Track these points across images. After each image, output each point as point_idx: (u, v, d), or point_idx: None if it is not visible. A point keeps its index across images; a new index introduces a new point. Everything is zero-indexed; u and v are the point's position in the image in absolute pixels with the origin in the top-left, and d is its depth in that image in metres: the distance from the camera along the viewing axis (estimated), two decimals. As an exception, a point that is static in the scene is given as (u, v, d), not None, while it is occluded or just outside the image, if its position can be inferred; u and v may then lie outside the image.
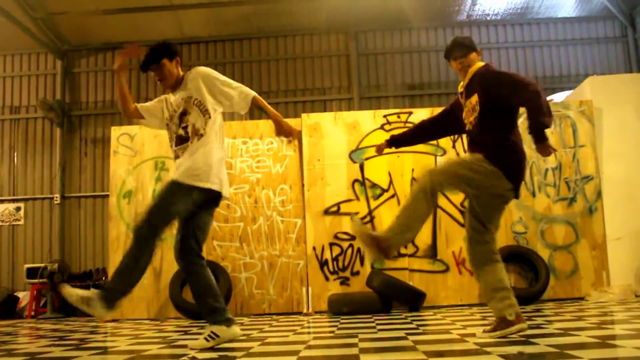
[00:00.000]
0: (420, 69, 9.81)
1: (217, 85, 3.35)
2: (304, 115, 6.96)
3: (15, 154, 9.84)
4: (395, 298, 5.99)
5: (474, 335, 3.28)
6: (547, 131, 3.02)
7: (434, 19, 9.70)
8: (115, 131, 7.00)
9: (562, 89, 8.80)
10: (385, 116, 6.82)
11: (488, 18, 9.82)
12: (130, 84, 9.82)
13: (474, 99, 3.27)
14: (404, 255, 6.47)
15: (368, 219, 6.54)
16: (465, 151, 6.50)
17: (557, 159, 6.70)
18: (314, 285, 6.43)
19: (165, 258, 6.36)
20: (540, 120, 2.98)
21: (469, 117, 3.35)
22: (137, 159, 6.83)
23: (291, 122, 6.86)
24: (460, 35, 3.52)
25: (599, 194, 6.66)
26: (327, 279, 6.44)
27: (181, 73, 3.47)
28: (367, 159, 6.66)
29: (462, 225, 6.15)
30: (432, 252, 6.50)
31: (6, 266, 9.40)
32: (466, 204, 3.40)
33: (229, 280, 6.34)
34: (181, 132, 3.33)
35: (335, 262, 6.47)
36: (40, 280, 8.21)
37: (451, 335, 3.50)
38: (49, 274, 8.21)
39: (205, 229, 3.35)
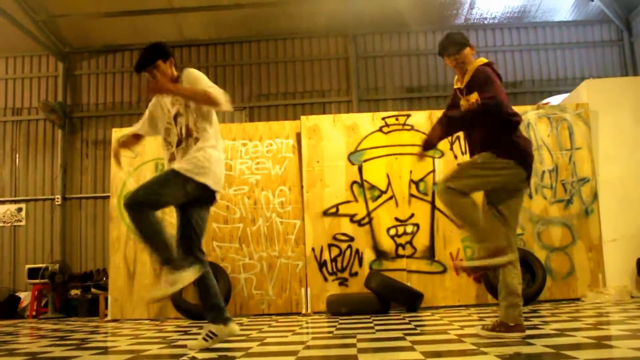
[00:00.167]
0: (419, 72, 9.87)
1: (203, 86, 3.32)
2: (303, 117, 7.02)
3: (17, 155, 9.88)
4: (394, 299, 6.03)
5: (471, 335, 3.32)
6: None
7: (432, 22, 9.74)
8: (116, 133, 7.01)
9: (559, 92, 8.83)
10: (383, 118, 6.87)
11: (485, 22, 9.88)
12: (130, 84, 9.90)
13: (474, 96, 3.30)
14: (402, 257, 6.52)
15: (366, 220, 6.60)
16: (462, 153, 6.65)
17: (554, 161, 6.76)
18: (313, 285, 6.48)
19: (166, 259, 6.39)
20: (466, 118, 3.23)
21: None
22: (138, 161, 6.88)
23: (290, 124, 7.06)
24: (452, 32, 3.55)
25: (595, 196, 6.71)
26: (325, 279, 6.49)
27: (175, 73, 3.44)
28: (365, 160, 6.72)
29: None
30: (430, 253, 6.55)
31: (8, 266, 9.45)
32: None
33: (229, 281, 6.39)
34: (175, 133, 3.34)
35: (333, 263, 6.52)
36: (42, 280, 8.26)
37: (449, 335, 3.53)
38: (50, 274, 8.26)
39: (203, 224, 3.41)
